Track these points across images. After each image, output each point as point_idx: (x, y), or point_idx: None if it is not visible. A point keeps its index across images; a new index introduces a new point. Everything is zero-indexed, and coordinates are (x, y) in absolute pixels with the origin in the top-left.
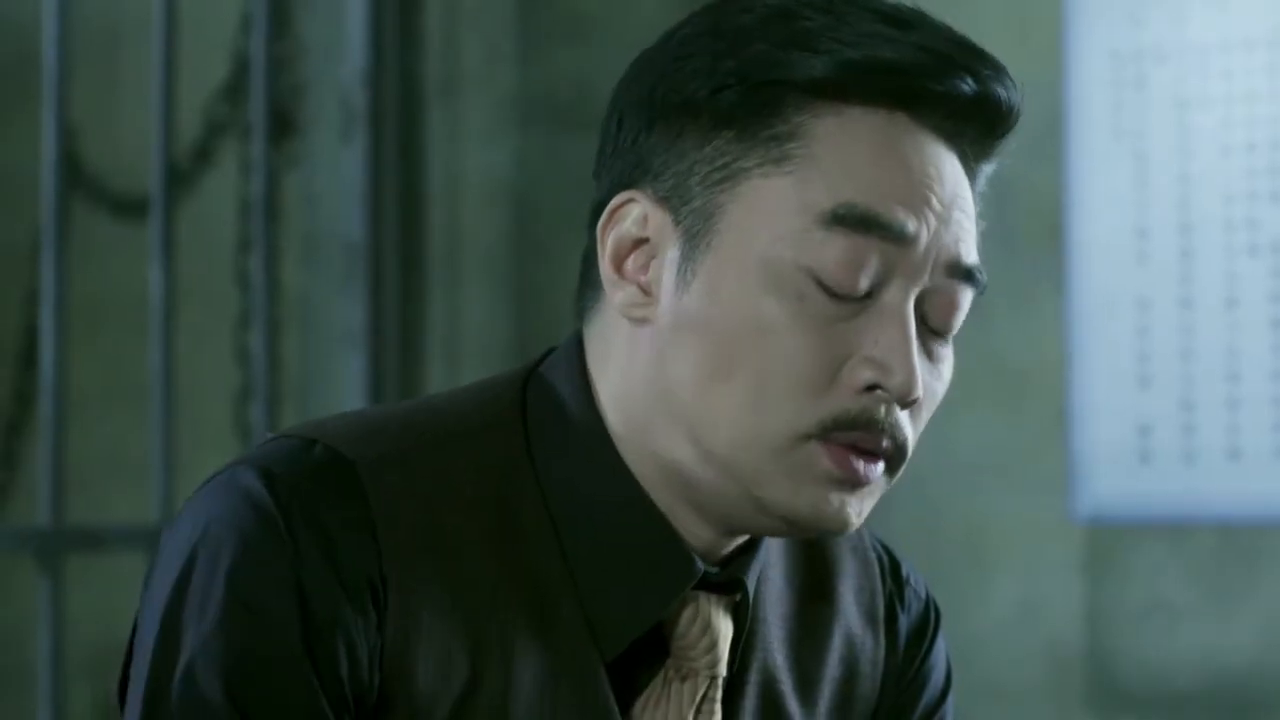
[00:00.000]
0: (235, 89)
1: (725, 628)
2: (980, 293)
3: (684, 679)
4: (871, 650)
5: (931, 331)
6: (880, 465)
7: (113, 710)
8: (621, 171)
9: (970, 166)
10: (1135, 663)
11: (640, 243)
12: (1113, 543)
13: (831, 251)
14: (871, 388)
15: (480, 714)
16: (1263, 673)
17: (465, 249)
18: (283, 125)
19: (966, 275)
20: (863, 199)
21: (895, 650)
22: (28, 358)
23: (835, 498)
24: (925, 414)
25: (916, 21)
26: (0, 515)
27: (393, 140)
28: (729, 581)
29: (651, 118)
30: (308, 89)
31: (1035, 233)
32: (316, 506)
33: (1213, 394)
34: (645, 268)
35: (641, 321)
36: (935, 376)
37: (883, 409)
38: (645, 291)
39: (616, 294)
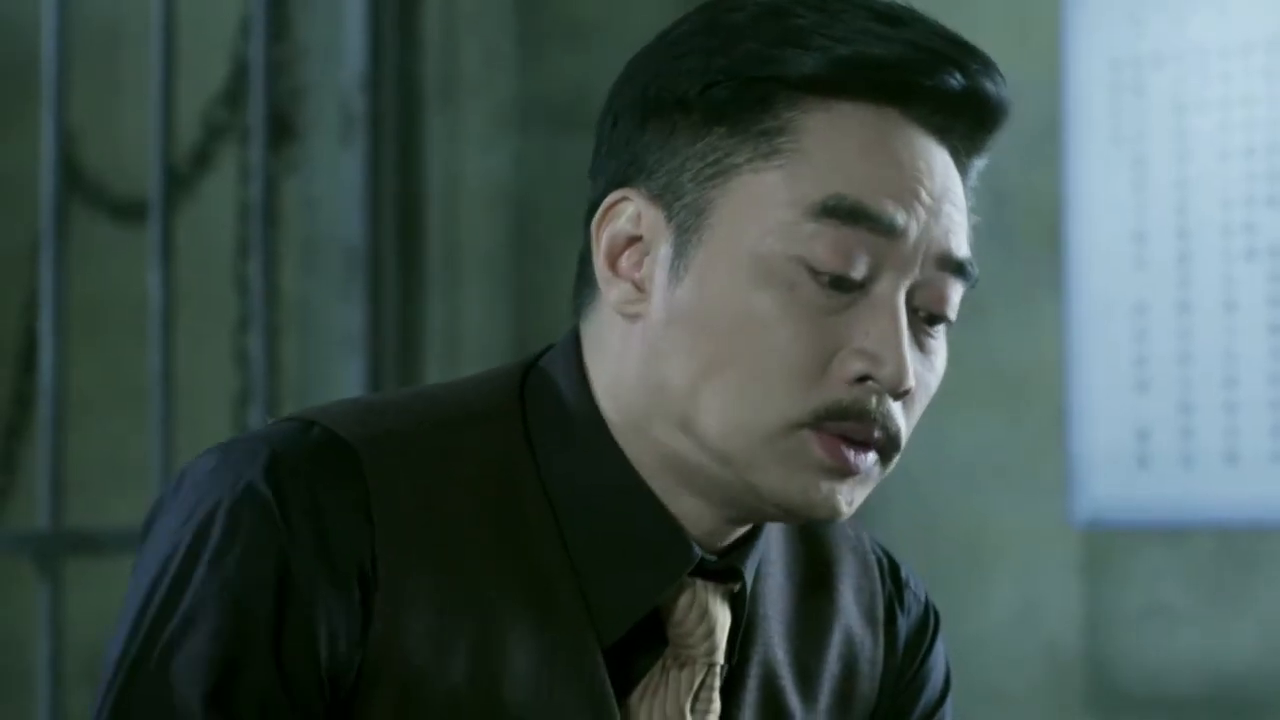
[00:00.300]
0: (234, 93)
1: (723, 616)
2: (971, 286)
3: (682, 667)
4: (870, 650)
5: (923, 323)
6: (872, 455)
7: None
8: (616, 170)
9: (961, 161)
10: (1134, 666)
11: (634, 240)
12: (1111, 546)
13: (821, 243)
14: (863, 379)
15: (476, 695)
16: (1261, 676)
17: (465, 252)
18: (282, 129)
19: (957, 268)
20: (852, 191)
21: (894, 652)
22: (27, 361)
23: (825, 485)
24: (919, 405)
25: (908, 18)
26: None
27: (392, 144)
28: (727, 571)
29: (645, 116)
30: (307, 93)
31: (1034, 236)
32: (313, 487)
33: (1211, 398)
34: (639, 264)
35: (635, 317)
36: (927, 368)
37: (874, 400)
38: (639, 288)
39: (611, 291)
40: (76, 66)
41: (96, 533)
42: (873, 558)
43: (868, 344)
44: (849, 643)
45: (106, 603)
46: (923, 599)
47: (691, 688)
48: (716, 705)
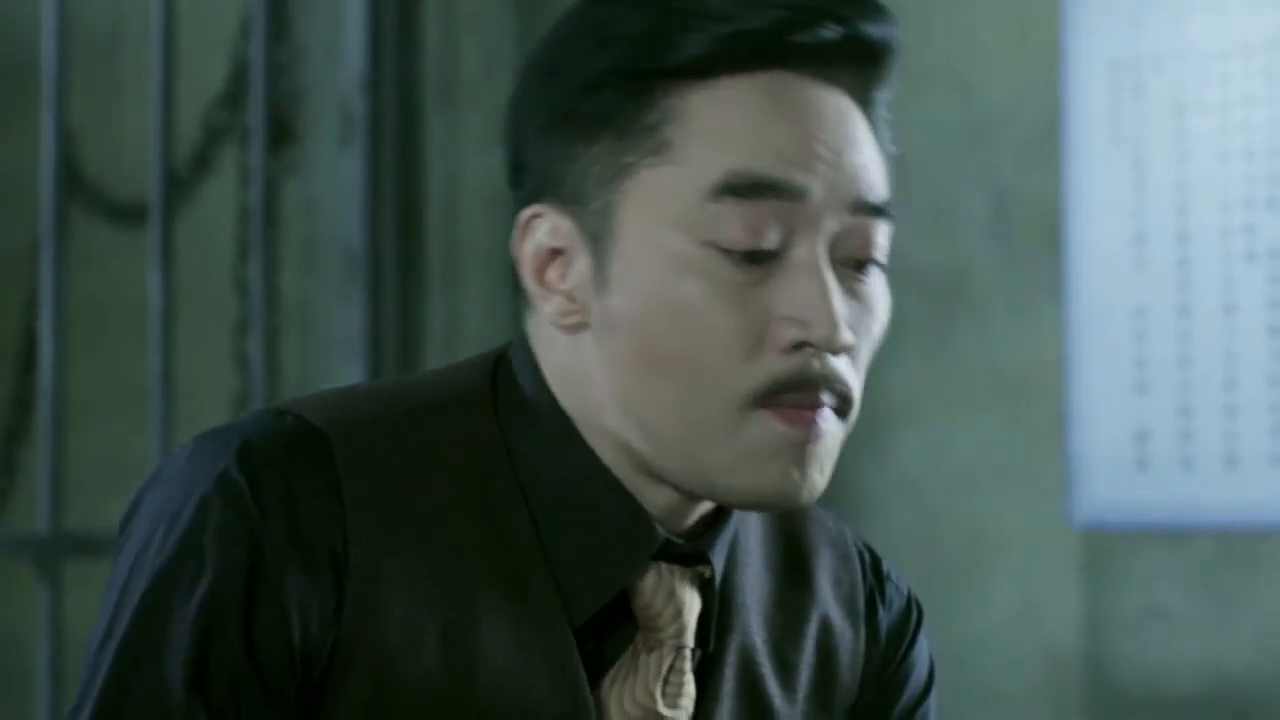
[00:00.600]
0: (234, 94)
1: (691, 600)
2: (890, 220)
3: (651, 651)
4: (851, 642)
5: (853, 272)
6: (827, 412)
7: None
8: (527, 185)
9: (860, 99)
10: (1133, 668)
11: (556, 253)
12: (1110, 548)
13: (727, 223)
14: (799, 345)
15: (449, 677)
16: (1260, 678)
17: (464, 254)
18: (282, 131)
19: (873, 210)
20: (746, 164)
21: (876, 644)
22: (27, 362)
23: (794, 471)
24: (865, 354)
25: None
26: None
27: (391, 146)
28: (695, 555)
29: (541, 129)
30: (307, 94)
31: (1033, 238)
32: (286, 474)
33: (1210, 400)
34: (565, 276)
35: (575, 328)
36: (865, 315)
37: (815, 364)
38: (571, 299)
39: (545, 306)
40: (76, 68)
41: (96, 534)
42: (853, 550)
43: (795, 310)
44: (826, 632)
45: None
46: (905, 592)
47: (661, 672)
48: (690, 689)
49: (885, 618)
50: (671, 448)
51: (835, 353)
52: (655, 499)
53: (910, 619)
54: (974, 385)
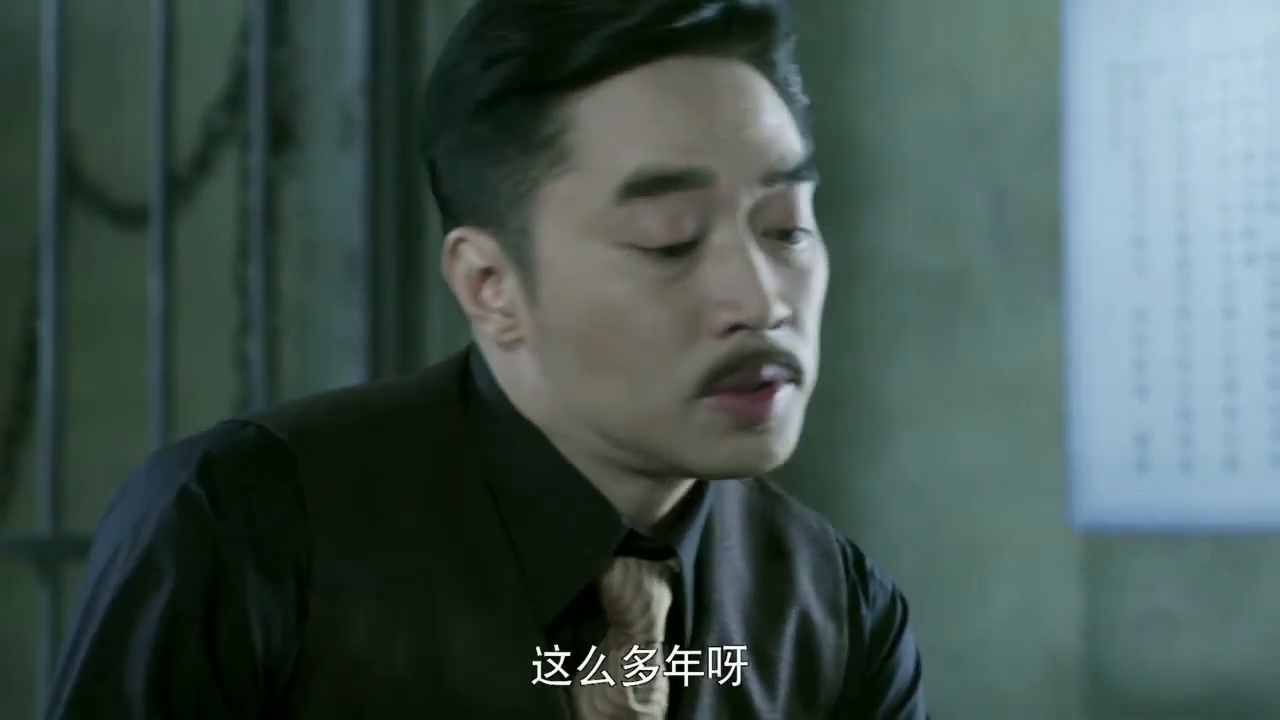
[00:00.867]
0: (234, 97)
1: (660, 593)
2: (812, 181)
3: (621, 646)
4: (834, 639)
5: (781, 241)
6: (778, 392)
7: None
8: (448, 211)
9: (759, 63)
10: (1132, 670)
11: (487, 273)
12: (1110, 551)
13: (640, 222)
14: (734, 328)
15: (419, 680)
16: (1260, 681)
17: None
18: (282, 134)
19: (790, 176)
20: (648, 160)
21: (860, 641)
22: (27, 366)
23: (750, 441)
24: (809, 320)
25: None
26: (0, 524)
27: (391, 148)
28: (663, 549)
29: (448, 155)
30: (307, 97)
31: (1033, 239)
32: (246, 485)
33: (1210, 403)
34: (499, 294)
35: (515, 344)
36: (799, 284)
37: (752, 342)
38: (508, 314)
39: (485, 326)
40: (76, 71)
41: None
42: (836, 547)
43: (724, 294)
44: (807, 629)
45: None
46: (889, 589)
47: (631, 666)
48: (662, 685)
49: (869, 614)
50: (628, 443)
51: (775, 327)
52: (623, 492)
53: (895, 615)
54: (974, 386)
